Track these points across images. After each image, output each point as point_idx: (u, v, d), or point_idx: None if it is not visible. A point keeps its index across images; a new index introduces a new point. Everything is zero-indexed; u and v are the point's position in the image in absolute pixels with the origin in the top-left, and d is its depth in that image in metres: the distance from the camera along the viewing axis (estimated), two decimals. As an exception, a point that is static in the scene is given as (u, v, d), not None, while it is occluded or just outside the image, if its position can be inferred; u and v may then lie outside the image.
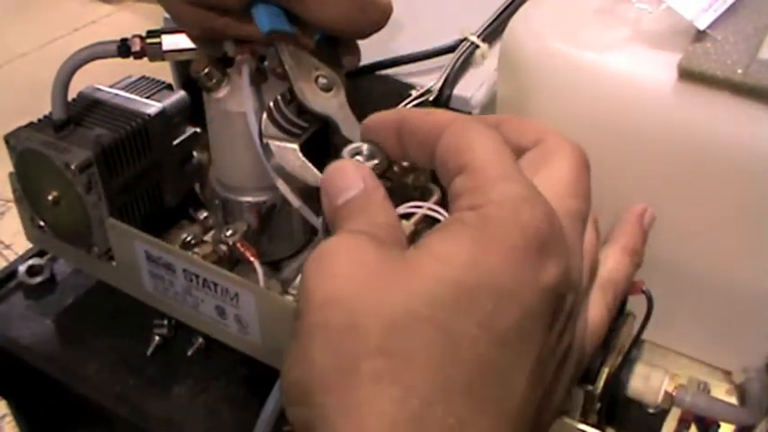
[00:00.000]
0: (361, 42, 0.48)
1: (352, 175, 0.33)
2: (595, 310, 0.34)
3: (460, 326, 0.26)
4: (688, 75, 0.44)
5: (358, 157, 0.37)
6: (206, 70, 0.49)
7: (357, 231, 0.30)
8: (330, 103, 0.44)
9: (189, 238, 0.56)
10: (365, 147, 0.37)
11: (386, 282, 0.27)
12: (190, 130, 0.59)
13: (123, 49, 0.51)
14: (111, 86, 0.59)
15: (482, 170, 0.30)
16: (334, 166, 0.34)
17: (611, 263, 0.36)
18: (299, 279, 0.55)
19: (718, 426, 0.47)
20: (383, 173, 0.37)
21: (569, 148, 0.34)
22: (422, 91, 0.55)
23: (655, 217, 0.39)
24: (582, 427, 0.41)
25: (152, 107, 0.56)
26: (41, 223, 0.58)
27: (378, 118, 0.36)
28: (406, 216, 0.37)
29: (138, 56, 0.51)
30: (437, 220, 0.35)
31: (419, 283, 0.27)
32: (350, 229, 0.31)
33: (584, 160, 0.34)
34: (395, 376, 0.25)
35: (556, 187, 0.32)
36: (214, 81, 0.49)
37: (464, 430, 0.25)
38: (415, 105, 0.54)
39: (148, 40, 0.51)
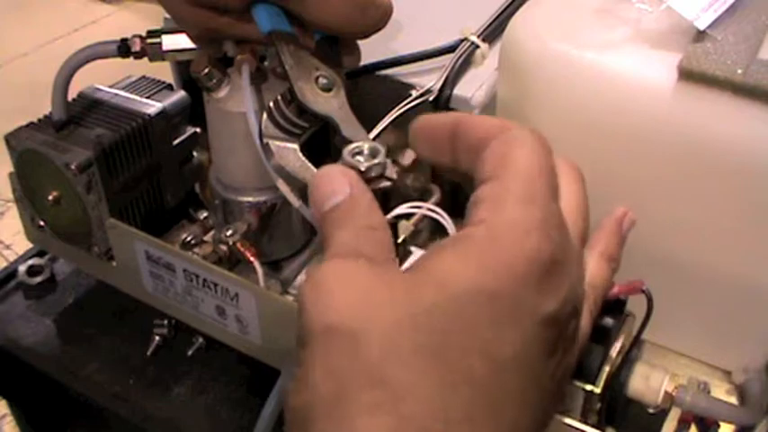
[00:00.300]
0: (361, 42, 0.48)
1: (338, 181, 0.33)
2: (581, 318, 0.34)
3: (460, 354, 0.26)
4: (688, 75, 0.44)
5: (359, 157, 0.37)
6: (206, 70, 0.49)
7: (347, 255, 0.30)
8: (330, 103, 0.44)
9: (189, 238, 0.56)
10: (366, 146, 0.37)
11: (386, 309, 0.27)
12: (190, 130, 0.59)
13: (123, 49, 0.51)
14: (111, 86, 0.59)
15: (510, 185, 0.29)
16: (320, 173, 0.34)
17: (592, 268, 0.35)
18: (299, 280, 0.55)
19: (718, 426, 0.47)
20: (383, 173, 0.37)
21: (574, 168, 0.34)
22: (422, 91, 0.55)
23: (634, 220, 0.39)
24: (582, 427, 0.41)
25: (152, 107, 0.56)
26: (41, 223, 0.58)
27: (431, 119, 0.35)
28: (407, 216, 0.37)
29: (138, 56, 0.51)
30: (436, 221, 0.35)
31: (419, 311, 0.27)
32: (338, 246, 0.30)
33: (583, 178, 0.34)
34: (392, 406, 0.25)
35: (571, 209, 0.32)
36: (214, 81, 0.49)
37: None
38: (415, 105, 0.54)
39: (148, 40, 0.51)
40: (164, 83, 0.60)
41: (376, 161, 0.36)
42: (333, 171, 0.33)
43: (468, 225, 0.29)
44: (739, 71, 0.42)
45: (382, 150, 0.37)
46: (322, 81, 0.44)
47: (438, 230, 0.35)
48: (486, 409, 0.26)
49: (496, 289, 0.27)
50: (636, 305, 0.41)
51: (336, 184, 0.32)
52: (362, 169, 0.36)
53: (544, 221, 0.28)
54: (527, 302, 0.27)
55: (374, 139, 0.51)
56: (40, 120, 0.56)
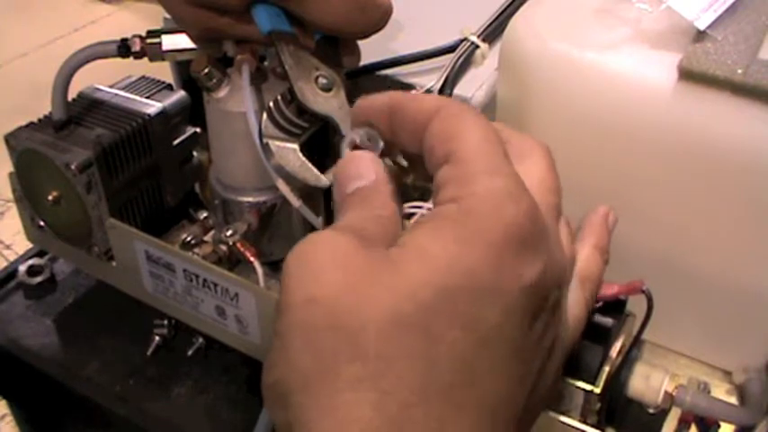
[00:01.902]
0: (361, 42, 0.47)
1: (365, 166, 0.33)
2: (575, 305, 0.34)
3: (441, 328, 0.26)
4: (688, 75, 0.44)
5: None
6: (206, 70, 0.49)
7: (342, 228, 0.30)
8: (330, 103, 0.44)
9: (189, 238, 0.56)
10: (360, 133, 0.36)
11: (368, 283, 0.27)
12: (190, 130, 0.59)
13: (123, 49, 0.51)
14: (111, 86, 0.59)
15: (468, 161, 0.29)
16: (350, 155, 0.34)
17: (586, 259, 0.36)
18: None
19: (718, 426, 0.47)
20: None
21: (539, 145, 0.34)
22: (422, 91, 0.55)
23: (617, 219, 0.39)
24: (582, 427, 0.41)
25: (152, 107, 0.56)
26: (41, 223, 0.58)
27: (369, 101, 0.35)
28: (407, 216, 0.37)
29: (138, 56, 0.51)
30: None
31: (400, 285, 0.27)
32: (345, 222, 0.31)
33: (551, 156, 0.34)
34: (373, 381, 0.25)
35: (536, 183, 0.32)
36: (214, 81, 0.49)
37: (445, 429, 0.25)
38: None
39: (148, 40, 0.51)
40: (164, 83, 0.60)
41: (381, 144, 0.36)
42: (363, 156, 0.33)
43: (438, 206, 0.29)
44: (739, 71, 0.42)
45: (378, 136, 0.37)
46: (322, 81, 0.44)
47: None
48: (468, 382, 0.26)
49: (475, 261, 0.27)
50: (636, 305, 0.41)
51: (363, 169, 0.33)
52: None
53: (513, 190, 0.29)
54: (506, 272, 0.27)
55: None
56: (40, 120, 0.56)
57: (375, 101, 0.35)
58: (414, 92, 0.55)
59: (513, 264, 0.27)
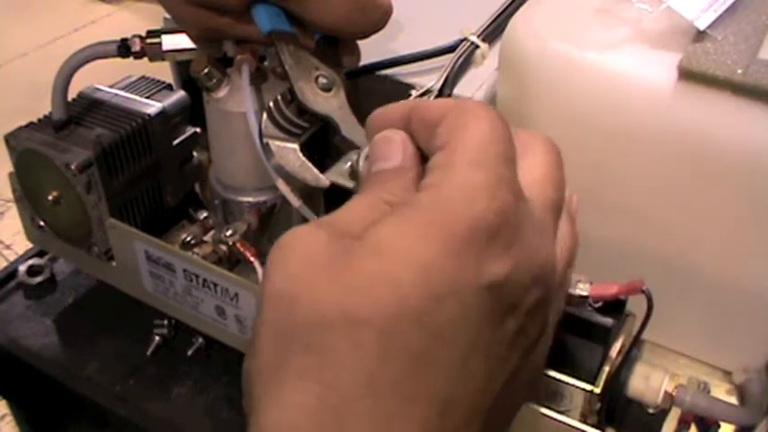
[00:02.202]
0: (361, 42, 0.48)
1: (394, 149, 0.32)
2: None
3: (392, 323, 0.26)
4: (688, 75, 0.44)
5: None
6: (206, 70, 0.49)
7: (322, 223, 0.30)
8: (330, 103, 0.44)
9: (189, 238, 0.56)
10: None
11: (326, 278, 0.27)
12: (190, 130, 0.59)
13: (123, 49, 0.51)
14: (111, 86, 0.59)
15: (458, 150, 0.29)
16: (384, 133, 0.33)
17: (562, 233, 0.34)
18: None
19: (718, 426, 0.47)
20: None
21: (543, 140, 0.33)
22: (422, 91, 0.55)
23: (578, 205, 0.37)
24: (582, 427, 0.41)
25: (152, 107, 0.56)
26: (41, 223, 0.58)
27: (385, 111, 0.35)
28: None
29: (138, 56, 0.51)
30: None
31: (354, 279, 0.27)
32: (336, 213, 0.30)
33: (558, 151, 0.33)
34: (317, 373, 0.26)
35: (538, 178, 0.31)
36: (214, 81, 0.49)
37: (392, 422, 0.25)
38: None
39: (148, 40, 0.51)
40: (164, 83, 0.60)
41: None
42: (393, 138, 0.33)
43: (418, 191, 0.29)
44: (739, 71, 0.42)
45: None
46: (322, 81, 0.44)
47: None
48: (419, 379, 0.26)
49: (432, 255, 0.26)
50: (636, 305, 0.41)
51: (390, 151, 0.32)
52: None
53: (492, 185, 0.28)
54: (467, 268, 0.27)
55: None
56: (40, 120, 0.56)
57: (390, 111, 0.35)
58: (414, 93, 0.55)
59: (474, 259, 0.27)
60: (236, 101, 0.49)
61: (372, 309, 0.26)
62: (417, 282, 0.26)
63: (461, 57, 0.56)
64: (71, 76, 0.52)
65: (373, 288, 0.26)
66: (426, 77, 0.56)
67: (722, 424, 0.47)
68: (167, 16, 0.51)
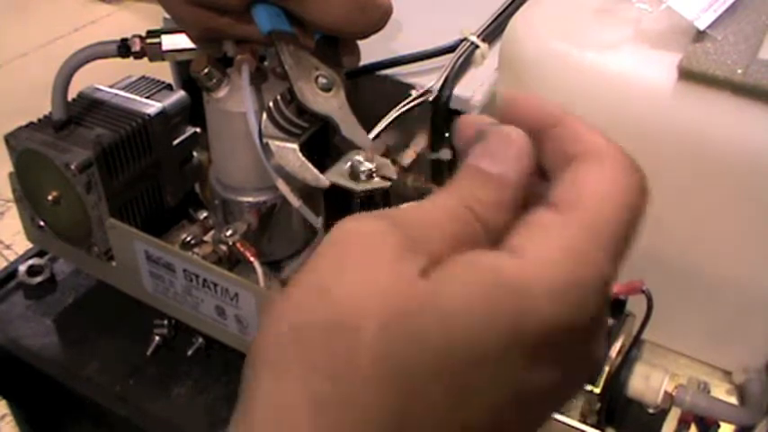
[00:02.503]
0: (361, 42, 0.48)
1: (510, 153, 0.27)
2: None
3: (430, 390, 0.23)
4: (688, 75, 0.44)
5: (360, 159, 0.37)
6: (206, 70, 0.49)
7: (396, 221, 0.25)
8: (330, 103, 0.44)
9: (189, 238, 0.56)
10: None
11: (382, 306, 0.24)
12: (190, 130, 0.59)
13: (123, 49, 0.51)
14: (111, 86, 0.59)
15: (570, 227, 0.25)
16: (508, 129, 0.27)
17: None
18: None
19: (718, 426, 0.47)
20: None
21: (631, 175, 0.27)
22: (422, 91, 0.55)
23: None
24: (582, 427, 0.41)
25: (152, 107, 0.56)
26: (41, 223, 0.58)
27: (528, 102, 0.29)
28: None
29: (138, 56, 0.51)
30: None
31: (414, 327, 0.23)
32: (415, 209, 0.26)
33: (639, 186, 0.26)
34: (336, 406, 0.23)
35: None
36: (214, 81, 0.49)
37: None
38: (415, 105, 0.54)
39: (148, 40, 0.51)
40: (164, 83, 0.60)
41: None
42: (518, 140, 0.27)
43: (503, 245, 0.25)
44: (739, 71, 0.42)
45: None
46: (322, 81, 0.44)
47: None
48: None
49: (488, 346, 0.23)
50: (636, 305, 0.41)
51: (505, 154, 0.27)
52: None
53: (588, 292, 0.24)
54: (509, 370, 0.24)
55: (374, 139, 0.51)
56: (39, 120, 0.56)
57: (535, 105, 0.29)
58: (414, 93, 0.55)
59: (521, 364, 0.24)
60: (236, 101, 0.49)
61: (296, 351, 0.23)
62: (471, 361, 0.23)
63: (461, 57, 0.56)
64: (71, 76, 0.52)
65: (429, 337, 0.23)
66: (426, 77, 0.56)
67: (722, 424, 0.47)
68: (167, 16, 0.51)
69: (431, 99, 0.54)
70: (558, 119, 0.28)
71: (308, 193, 0.47)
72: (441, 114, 0.53)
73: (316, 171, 0.44)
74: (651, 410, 0.45)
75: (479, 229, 0.26)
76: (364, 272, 0.24)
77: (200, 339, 0.57)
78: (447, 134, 0.54)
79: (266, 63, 0.50)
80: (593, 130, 0.28)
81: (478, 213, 0.26)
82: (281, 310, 0.25)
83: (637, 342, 0.42)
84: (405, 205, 0.27)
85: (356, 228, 0.25)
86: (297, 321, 0.24)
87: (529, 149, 0.27)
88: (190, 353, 0.57)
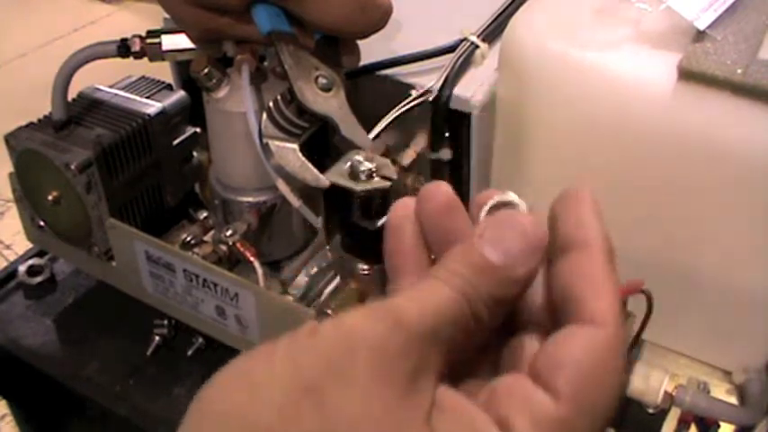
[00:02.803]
0: (361, 42, 0.48)
1: (531, 254, 0.26)
2: None
3: None
4: (688, 75, 0.44)
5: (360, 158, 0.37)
6: (206, 70, 0.49)
7: (392, 320, 0.24)
8: (330, 103, 0.44)
9: (189, 238, 0.56)
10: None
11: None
12: (190, 130, 0.59)
13: (123, 49, 0.51)
14: (111, 86, 0.59)
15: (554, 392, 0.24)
16: (533, 216, 0.26)
17: None
18: (299, 280, 0.55)
19: (718, 426, 0.47)
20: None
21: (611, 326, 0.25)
22: (422, 91, 0.55)
23: None
24: (582, 427, 0.41)
25: (152, 107, 0.56)
26: (41, 223, 0.58)
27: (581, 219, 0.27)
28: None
29: (138, 56, 0.51)
30: None
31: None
32: (413, 300, 0.24)
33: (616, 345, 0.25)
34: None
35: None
36: (214, 81, 0.49)
37: None
38: (415, 105, 0.54)
39: (148, 40, 0.51)
40: (164, 83, 0.60)
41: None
42: (540, 238, 0.26)
43: (478, 399, 0.24)
44: (739, 71, 0.42)
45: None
46: (322, 81, 0.44)
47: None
48: None
49: None
50: (636, 305, 0.41)
51: (527, 256, 0.26)
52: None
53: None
54: None
55: (374, 139, 0.51)
56: (39, 120, 0.56)
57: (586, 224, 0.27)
58: (414, 93, 0.55)
59: None
60: (236, 101, 0.49)
61: None
62: None
63: (461, 57, 0.56)
64: (71, 76, 0.52)
65: None
66: (426, 77, 0.56)
67: (722, 424, 0.47)
68: (167, 16, 0.51)
69: (431, 99, 0.54)
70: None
71: (307, 193, 0.47)
72: (441, 114, 0.53)
73: (316, 171, 0.44)
74: (651, 410, 0.45)
75: (471, 326, 0.25)
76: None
77: (200, 339, 0.57)
78: (447, 134, 0.54)
79: (266, 63, 0.50)
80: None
81: (475, 311, 0.25)
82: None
83: (637, 342, 0.42)
84: (401, 294, 0.25)
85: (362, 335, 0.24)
86: None
87: (545, 237, 0.26)
88: (190, 353, 0.57)
